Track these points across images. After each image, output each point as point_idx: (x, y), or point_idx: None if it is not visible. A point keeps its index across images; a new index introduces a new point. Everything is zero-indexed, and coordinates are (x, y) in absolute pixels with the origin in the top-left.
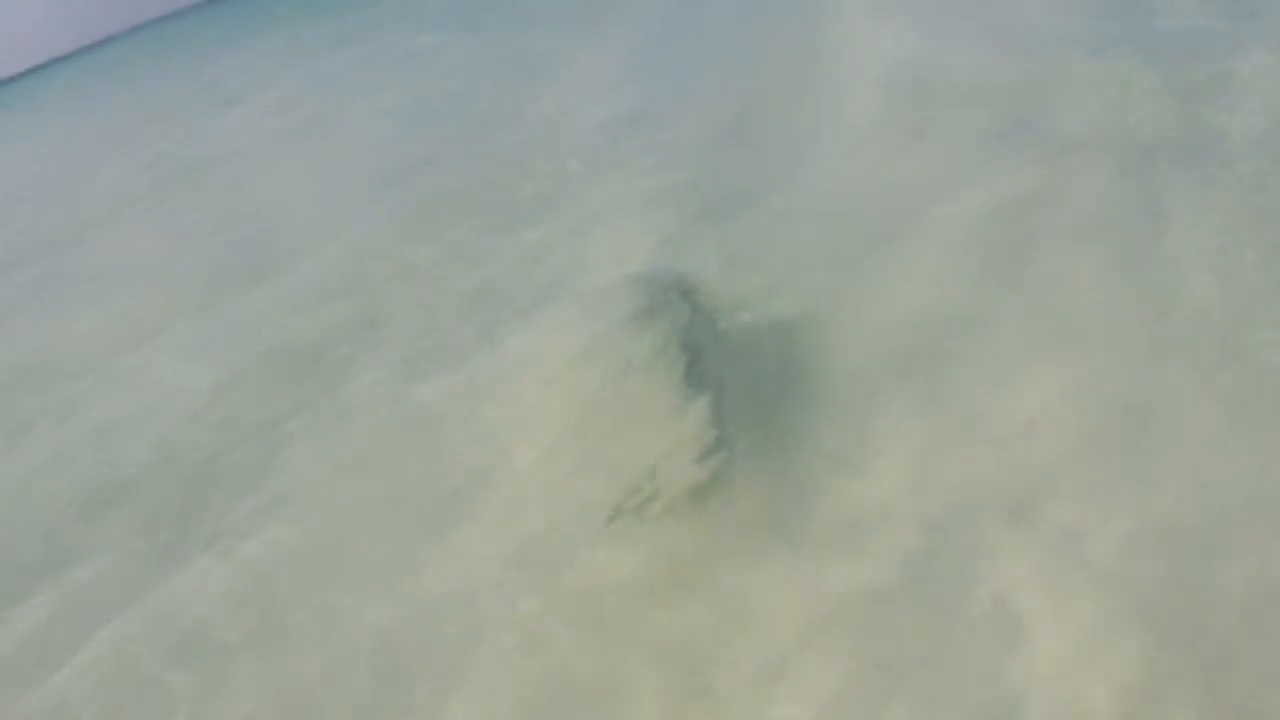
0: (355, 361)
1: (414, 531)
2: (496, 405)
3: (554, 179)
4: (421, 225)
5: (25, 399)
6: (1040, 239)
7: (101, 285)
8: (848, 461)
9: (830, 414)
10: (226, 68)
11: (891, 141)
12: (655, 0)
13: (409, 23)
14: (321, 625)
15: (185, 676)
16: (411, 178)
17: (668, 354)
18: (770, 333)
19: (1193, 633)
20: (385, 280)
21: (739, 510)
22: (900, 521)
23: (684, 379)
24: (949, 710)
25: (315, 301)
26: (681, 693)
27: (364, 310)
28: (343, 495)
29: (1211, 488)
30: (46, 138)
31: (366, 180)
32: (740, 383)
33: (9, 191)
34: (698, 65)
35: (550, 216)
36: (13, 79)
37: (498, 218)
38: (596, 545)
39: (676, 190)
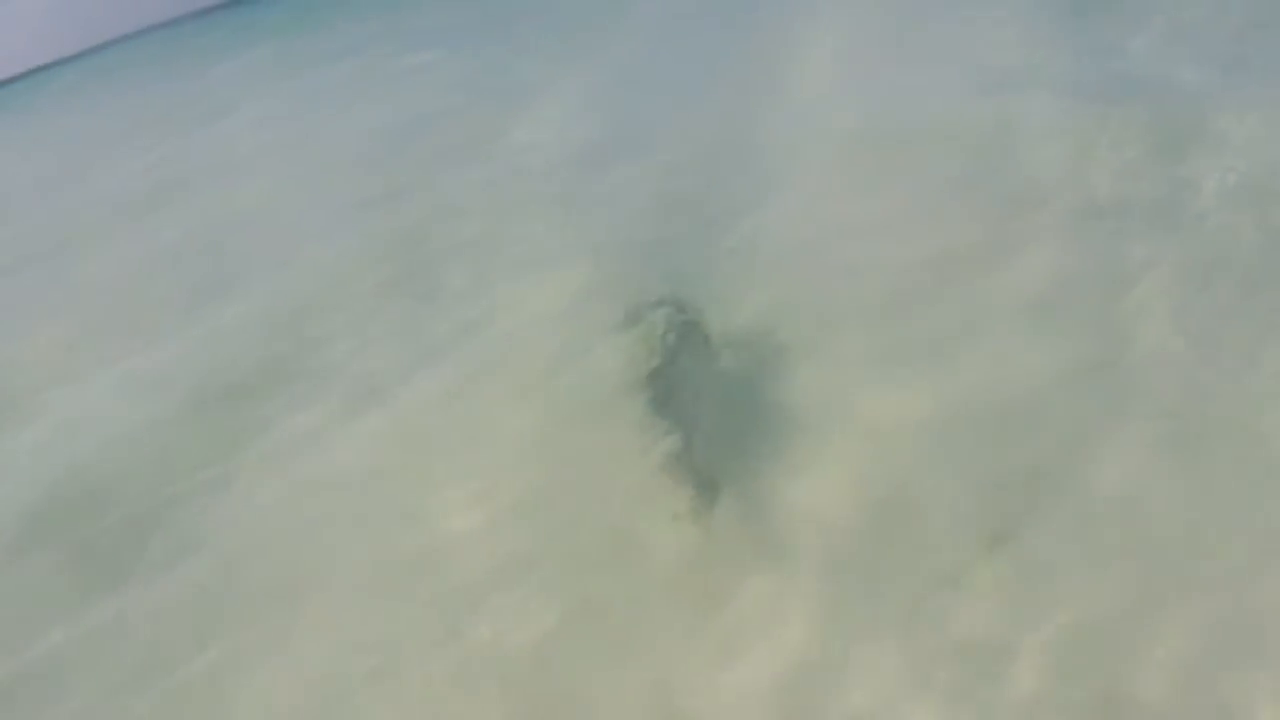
0: (292, 398)
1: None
2: (437, 438)
3: (517, 211)
4: (380, 255)
5: None
6: (986, 302)
7: (68, 302)
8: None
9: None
10: (218, 77)
11: (847, 187)
12: (645, 30)
13: (400, 39)
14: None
15: None
16: (379, 206)
17: (604, 387)
18: (710, 373)
19: None
20: (333, 313)
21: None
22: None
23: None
24: None
25: (263, 332)
26: None
27: (306, 344)
28: (268, 547)
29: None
30: (40, 142)
31: (334, 205)
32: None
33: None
34: (671, 97)
35: (507, 250)
36: (12, 80)
37: (456, 251)
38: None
39: (633, 227)
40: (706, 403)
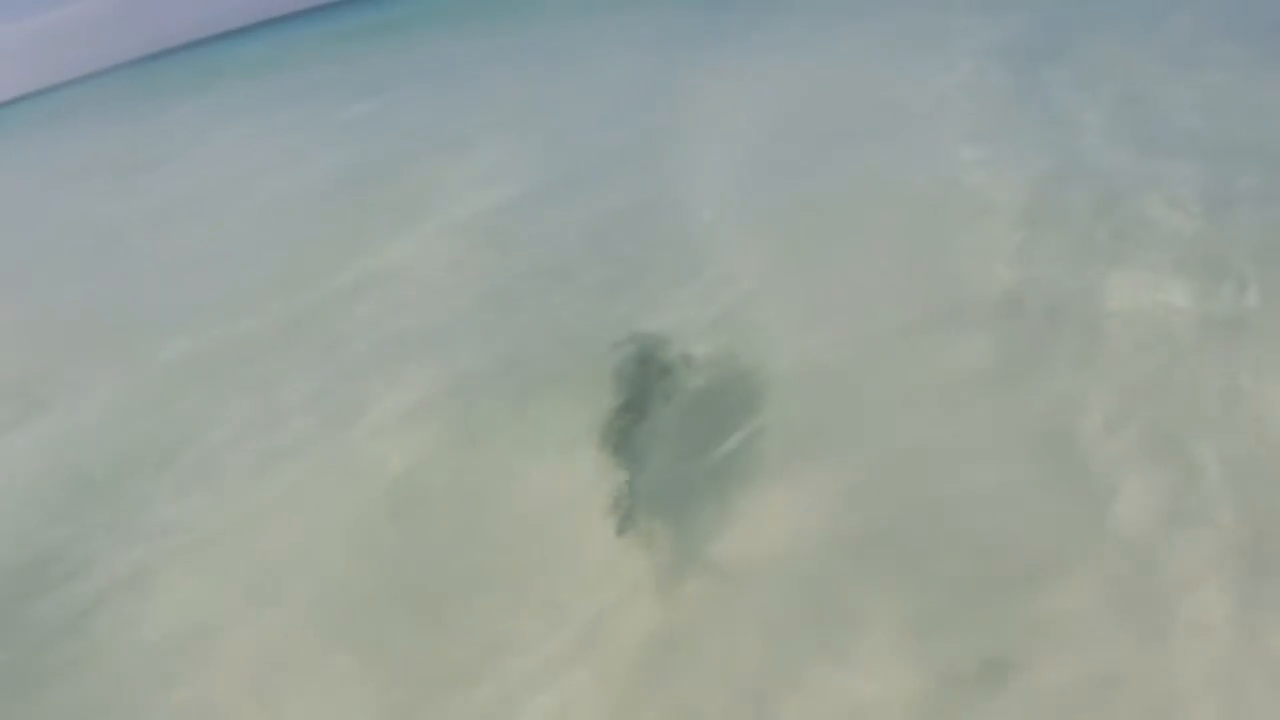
0: (173, 482)
1: None
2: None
3: (441, 280)
4: (292, 329)
5: None
6: (911, 390)
7: None
8: None
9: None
10: (165, 122)
11: (785, 257)
12: (593, 89)
13: (358, 83)
14: None
15: None
16: (307, 270)
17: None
18: (649, 438)
19: None
20: (230, 389)
21: None
22: None
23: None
24: None
25: (159, 402)
26: None
27: (197, 423)
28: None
29: None
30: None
31: (262, 265)
32: None
33: None
34: (610, 157)
35: (427, 324)
36: None
37: (374, 323)
38: None
39: (560, 303)
40: (648, 468)
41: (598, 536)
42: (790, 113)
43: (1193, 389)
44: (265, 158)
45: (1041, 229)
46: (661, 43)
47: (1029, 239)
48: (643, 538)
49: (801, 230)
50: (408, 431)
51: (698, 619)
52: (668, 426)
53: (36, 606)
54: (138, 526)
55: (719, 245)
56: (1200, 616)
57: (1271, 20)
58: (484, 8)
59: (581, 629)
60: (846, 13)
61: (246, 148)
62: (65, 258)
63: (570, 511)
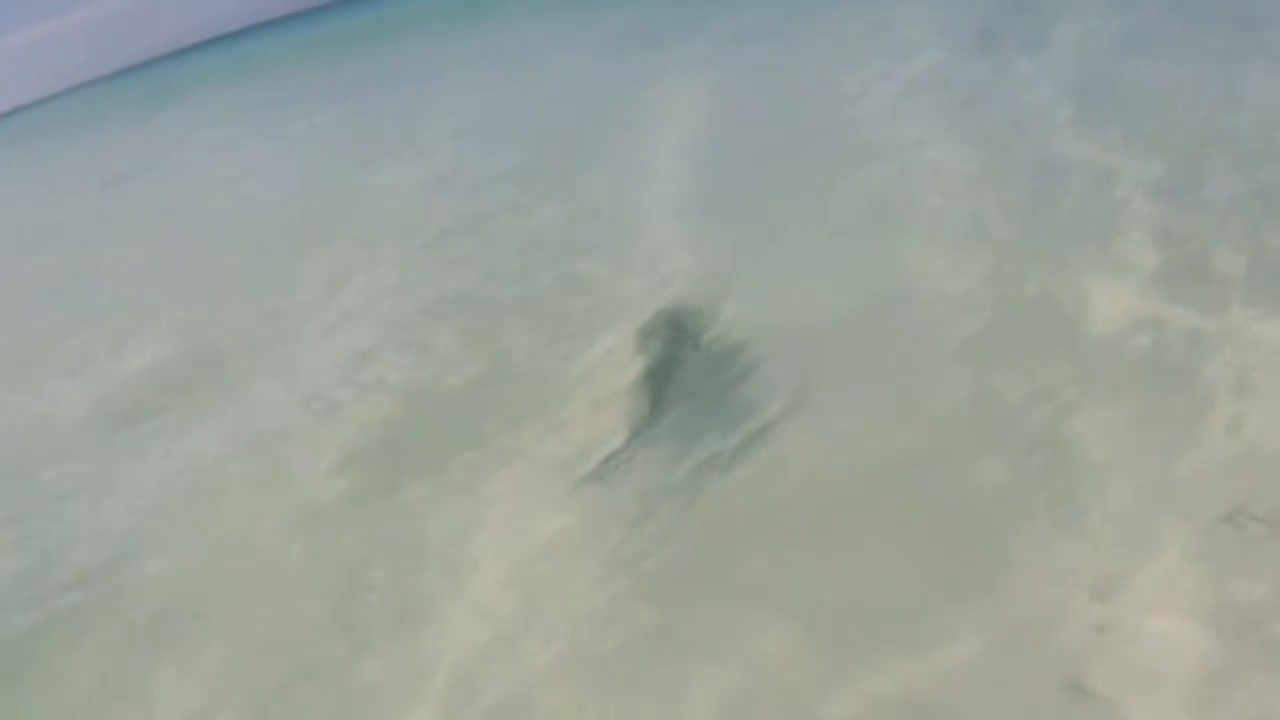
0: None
1: None
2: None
3: (381, 298)
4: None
5: None
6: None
7: None
8: None
9: None
10: (142, 135)
11: (719, 279)
12: (548, 99)
13: (317, 94)
14: None
15: None
16: (250, 294)
17: None
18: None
19: None
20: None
21: None
22: None
23: None
24: None
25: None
26: None
27: (138, 449)
28: None
29: None
30: None
31: (208, 288)
32: None
33: None
34: (550, 171)
35: (363, 336)
36: None
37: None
38: None
39: (502, 318)
40: (631, 482)
41: (581, 551)
42: (750, 111)
43: (1169, 383)
44: (234, 168)
45: (1008, 222)
46: (622, 42)
47: (995, 233)
48: (627, 547)
49: (766, 231)
50: (374, 451)
51: (688, 621)
52: (648, 439)
53: None
54: (88, 551)
55: (681, 249)
56: (1180, 604)
57: (1239, 8)
58: (448, 12)
59: (568, 644)
60: (808, 6)
61: (217, 158)
62: (37, 271)
63: (552, 526)
